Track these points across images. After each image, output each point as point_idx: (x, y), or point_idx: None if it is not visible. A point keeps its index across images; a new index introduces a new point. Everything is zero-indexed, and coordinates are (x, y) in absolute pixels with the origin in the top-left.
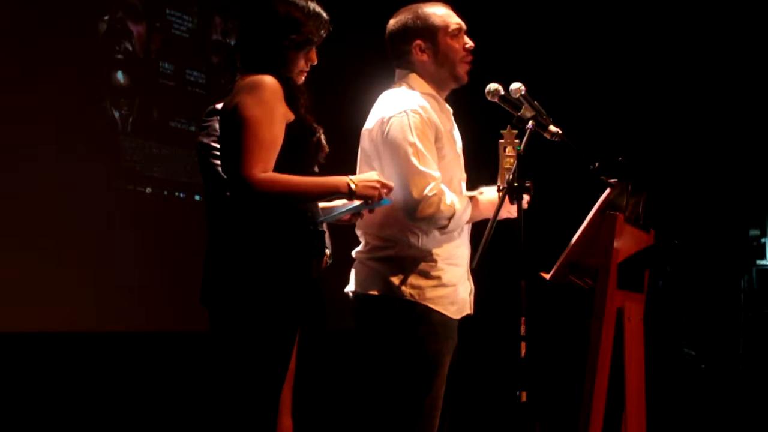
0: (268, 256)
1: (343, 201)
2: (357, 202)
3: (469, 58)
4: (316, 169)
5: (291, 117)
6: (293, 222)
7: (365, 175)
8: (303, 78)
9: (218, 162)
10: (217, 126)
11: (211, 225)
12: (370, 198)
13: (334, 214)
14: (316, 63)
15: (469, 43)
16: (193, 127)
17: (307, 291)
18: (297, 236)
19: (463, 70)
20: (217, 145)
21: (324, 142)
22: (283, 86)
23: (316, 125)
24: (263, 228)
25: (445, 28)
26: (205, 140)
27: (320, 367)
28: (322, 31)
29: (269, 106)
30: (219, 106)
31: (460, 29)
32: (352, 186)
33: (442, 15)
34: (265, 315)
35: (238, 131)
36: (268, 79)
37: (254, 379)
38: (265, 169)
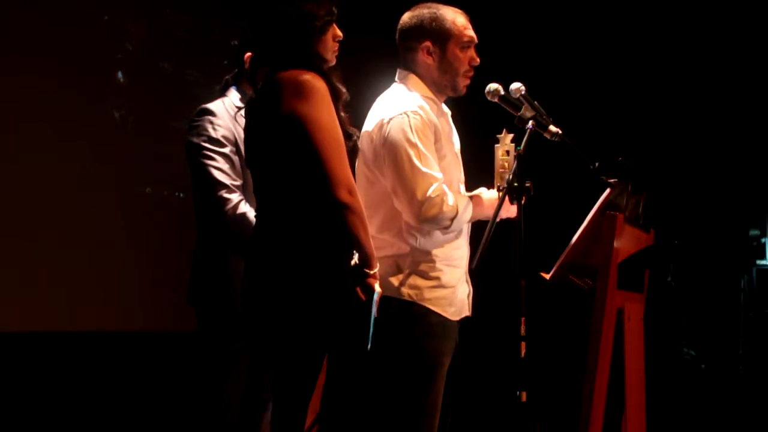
0: (310, 261)
1: None
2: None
3: (471, 73)
4: None
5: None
6: (329, 228)
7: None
8: (335, 56)
9: (208, 162)
10: (207, 126)
11: (200, 224)
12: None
13: None
14: (342, 37)
15: (476, 59)
16: None
17: (343, 294)
18: (333, 242)
19: (463, 83)
20: (207, 145)
21: (359, 145)
22: (325, 82)
23: (352, 129)
24: (299, 233)
25: (459, 37)
26: (195, 140)
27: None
28: (334, 8)
29: (328, 108)
30: (209, 106)
31: (471, 42)
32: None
33: (459, 24)
34: (303, 320)
35: (308, 142)
36: (315, 79)
37: (288, 384)
38: (349, 186)
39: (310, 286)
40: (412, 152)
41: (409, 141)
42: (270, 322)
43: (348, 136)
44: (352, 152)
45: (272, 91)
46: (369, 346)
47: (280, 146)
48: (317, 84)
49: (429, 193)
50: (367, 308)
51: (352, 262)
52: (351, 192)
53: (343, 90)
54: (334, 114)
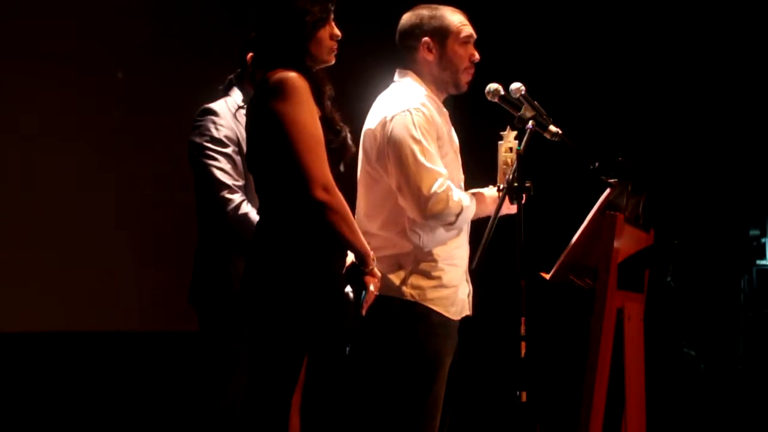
0: (295, 260)
1: None
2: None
3: (472, 69)
4: (342, 169)
5: (318, 113)
6: (317, 227)
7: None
8: (334, 56)
9: (210, 162)
10: (209, 126)
11: (201, 224)
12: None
13: None
14: (341, 36)
15: (476, 55)
16: None
17: (330, 294)
18: (321, 242)
19: (464, 79)
20: (209, 145)
21: (350, 141)
22: (309, 81)
23: (341, 124)
24: (290, 231)
25: (457, 33)
26: (197, 140)
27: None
28: (330, 4)
29: (308, 107)
30: (211, 105)
31: (470, 38)
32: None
33: (458, 20)
34: (283, 319)
35: (286, 141)
36: (297, 78)
37: (271, 381)
38: (326, 184)
39: (292, 286)
40: (416, 148)
41: (413, 137)
42: (255, 320)
43: (336, 133)
44: (341, 148)
45: (262, 91)
46: (352, 344)
47: (271, 146)
48: (298, 83)
49: (434, 188)
50: (355, 306)
51: (350, 261)
52: (327, 190)
53: (328, 87)
54: (314, 113)
